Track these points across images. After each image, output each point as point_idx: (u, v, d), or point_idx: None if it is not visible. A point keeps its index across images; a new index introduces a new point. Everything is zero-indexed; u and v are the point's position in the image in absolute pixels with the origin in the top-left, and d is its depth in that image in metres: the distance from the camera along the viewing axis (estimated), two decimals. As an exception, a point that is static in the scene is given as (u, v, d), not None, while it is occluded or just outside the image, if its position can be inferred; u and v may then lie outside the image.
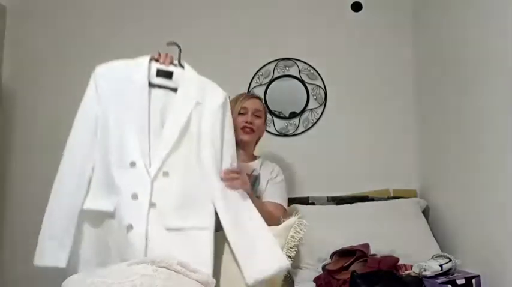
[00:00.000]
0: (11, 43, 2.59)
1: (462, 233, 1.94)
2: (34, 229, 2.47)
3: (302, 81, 2.55)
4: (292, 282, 1.70)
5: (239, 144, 1.79)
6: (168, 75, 1.53)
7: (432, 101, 2.31)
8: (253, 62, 2.57)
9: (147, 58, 1.54)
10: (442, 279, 1.59)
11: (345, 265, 1.76)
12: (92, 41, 2.60)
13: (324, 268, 1.84)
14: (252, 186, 1.72)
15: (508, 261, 1.55)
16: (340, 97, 2.54)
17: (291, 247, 1.48)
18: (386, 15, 2.58)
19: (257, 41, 2.59)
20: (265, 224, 1.48)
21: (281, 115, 2.54)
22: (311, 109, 2.54)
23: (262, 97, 2.35)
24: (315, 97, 2.55)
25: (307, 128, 2.54)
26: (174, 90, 1.52)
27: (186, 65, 1.59)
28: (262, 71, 2.57)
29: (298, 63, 2.56)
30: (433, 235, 2.09)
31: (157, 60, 1.56)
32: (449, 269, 1.66)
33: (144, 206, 1.39)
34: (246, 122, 1.88)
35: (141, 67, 1.52)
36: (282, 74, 2.56)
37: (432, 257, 1.74)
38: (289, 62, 2.57)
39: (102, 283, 1.16)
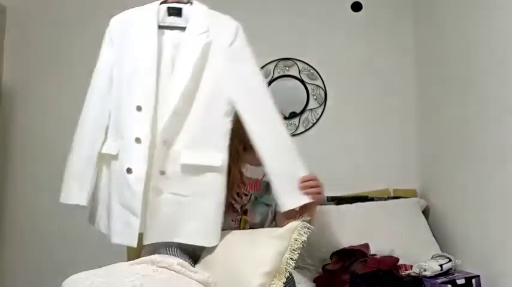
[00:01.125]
0: (11, 43, 2.59)
1: (462, 233, 1.94)
2: (34, 228, 2.49)
3: (302, 81, 2.55)
4: (294, 283, 1.70)
5: (247, 148, 1.72)
6: (178, 11, 1.48)
7: (432, 101, 2.31)
8: (253, 62, 2.56)
9: (157, 2, 1.51)
10: (442, 279, 1.59)
11: (345, 265, 1.76)
12: (92, 41, 2.60)
13: (324, 268, 1.84)
14: (264, 192, 1.67)
15: (508, 261, 1.55)
16: (340, 97, 2.54)
17: (293, 250, 1.47)
18: (386, 15, 2.58)
19: (257, 41, 2.57)
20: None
21: (281, 115, 2.53)
22: (311, 109, 2.54)
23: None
24: (315, 97, 2.55)
25: (307, 128, 2.54)
26: (183, 28, 1.48)
27: (194, 0, 1.54)
28: (262, 71, 2.56)
29: (298, 63, 2.56)
30: (433, 235, 2.09)
31: (166, 2, 1.52)
32: (449, 269, 1.66)
33: (144, 150, 1.40)
34: None
35: (150, 10, 1.50)
36: (282, 74, 2.56)
37: (432, 257, 1.74)
38: (289, 62, 2.57)
39: (102, 283, 1.16)
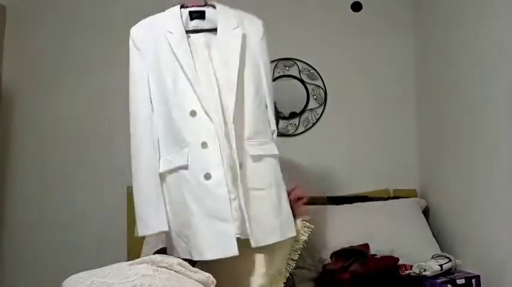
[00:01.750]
0: (11, 43, 2.59)
1: (462, 233, 1.94)
2: (33, 229, 2.49)
3: (302, 81, 2.55)
4: (294, 283, 1.70)
5: None
6: (201, 14, 1.48)
7: (432, 101, 2.31)
8: (253, 62, 2.56)
9: (177, 6, 1.51)
10: (442, 279, 1.59)
11: (345, 265, 1.76)
12: (92, 41, 2.61)
13: (324, 268, 1.84)
14: None
15: (508, 261, 1.55)
16: (340, 97, 2.54)
17: (294, 250, 1.48)
18: (386, 15, 2.58)
19: (257, 41, 2.58)
20: None
21: (281, 115, 2.53)
22: (311, 109, 2.54)
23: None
24: (315, 97, 2.55)
25: (307, 128, 2.54)
26: (212, 30, 1.48)
27: (215, 3, 1.53)
28: (262, 71, 2.56)
29: (298, 63, 2.56)
30: (433, 235, 2.09)
31: (185, 7, 1.51)
32: (449, 269, 1.66)
33: (215, 153, 1.36)
34: None
35: (173, 15, 1.49)
36: (282, 74, 2.56)
37: (432, 257, 1.74)
38: (289, 62, 2.57)
39: (102, 283, 1.16)
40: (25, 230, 2.50)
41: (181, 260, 1.33)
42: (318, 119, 2.54)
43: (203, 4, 1.52)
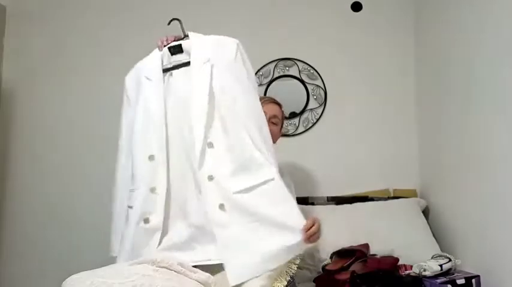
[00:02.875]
0: (11, 43, 2.59)
1: (462, 233, 1.94)
2: (33, 229, 2.49)
3: (302, 81, 2.55)
4: (294, 284, 1.70)
5: None
6: (178, 48, 1.52)
7: (432, 101, 2.31)
8: (253, 62, 2.54)
9: (156, 49, 1.57)
10: (442, 279, 1.59)
11: (345, 265, 1.76)
12: (92, 41, 2.61)
13: (324, 268, 1.84)
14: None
15: (508, 261, 1.55)
16: (340, 97, 2.54)
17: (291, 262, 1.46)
18: (386, 16, 2.58)
19: (257, 41, 2.58)
20: None
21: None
22: (311, 109, 2.54)
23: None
24: (315, 97, 2.55)
25: (307, 128, 2.54)
26: (188, 63, 1.50)
27: (189, 33, 1.56)
28: (262, 71, 2.57)
29: (298, 63, 2.56)
30: (433, 235, 2.09)
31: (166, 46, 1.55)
32: (449, 269, 1.66)
33: (160, 199, 1.43)
34: None
35: (155, 56, 1.55)
36: (282, 74, 2.56)
37: (432, 257, 1.74)
38: (289, 62, 2.57)
39: (102, 283, 1.16)
40: (25, 230, 2.50)
41: (181, 260, 1.33)
42: (318, 119, 2.54)
43: (182, 37, 1.55)
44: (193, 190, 1.44)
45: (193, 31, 2.55)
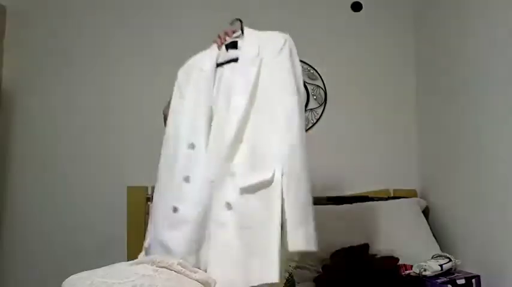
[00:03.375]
0: (11, 43, 2.59)
1: (462, 233, 1.94)
2: (33, 229, 2.49)
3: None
4: (294, 283, 1.70)
5: None
6: (233, 45, 1.55)
7: (432, 101, 2.31)
8: (253, 62, 2.56)
9: (214, 45, 1.61)
10: (442, 279, 1.59)
11: (345, 265, 1.75)
12: (92, 41, 2.61)
13: (324, 268, 1.84)
14: None
15: (508, 261, 1.55)
16: (340, 97, 2.54)
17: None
18: (386, 15, 2.58)
19: (257, 41, 2.58)
20: None
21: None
22: (311, 109, 2.54)
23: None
24: (315, 97, 2.54)
25: (307, 128, 2.53)
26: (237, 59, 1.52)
27: (245, 29, 1.57)
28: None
29: (298, 63, 2.56)
30: (433, 235, 2.09)
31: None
32: (449, 269, 1.66)
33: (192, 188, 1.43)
34: None
35: (211, 51, 1.59)
36: (282, 74, 2.56)
37: (432, 257, 1.74)
38: (289, 62, 2.56)
39: (102, 283, 1.16)
40: (25, 230, 2.49)
41: (181, 260, 1.33)
42: (318, 119, 2.54)
43: (239, 34, 1.58)
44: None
45: (193, 31, 2.57)
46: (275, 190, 1.30)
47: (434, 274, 1.62)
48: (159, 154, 1.61)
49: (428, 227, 2.13)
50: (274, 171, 1.32)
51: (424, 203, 2.29)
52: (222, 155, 1.39)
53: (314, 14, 2.59)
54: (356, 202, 2.29)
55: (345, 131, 2.53)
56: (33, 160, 2.54)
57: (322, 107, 2.54)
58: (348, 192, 2.41)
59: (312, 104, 2.54)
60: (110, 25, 2.61)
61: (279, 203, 1.28)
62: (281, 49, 1.45)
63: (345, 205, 2.26)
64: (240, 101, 1.41)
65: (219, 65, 1.54)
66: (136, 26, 2.60)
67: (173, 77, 2.43)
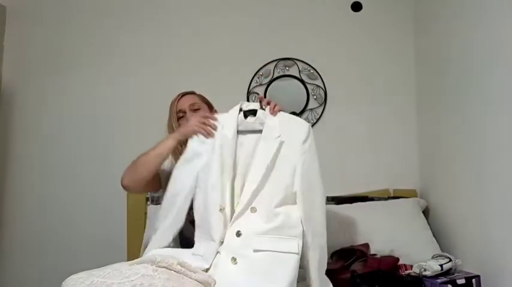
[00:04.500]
0: (11, 43, 2.59)
1: (462, 233, 1.94)
2: (33, 229, 2.49)
3: (302, 81, 2.55)
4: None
5: None
6: (253, 112, 1.62)
7: (433, 101, 2.31)
8: (253, 62, 2.57)
9: (237, 107, 1.64)
10: (442, 279, 1.59)
11: (345, 264, 1.75)
12: (92, 41, 2.61)
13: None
14: None
15: (508, 261, 1.55)
16: (340, 97, 2.54)
17: None
18: (386, 15, 2.58)
19: (257, 41, 2.59)
20: None
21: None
22: (311, 109, 2.54)
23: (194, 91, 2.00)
24: (315, 97, 2.55)
25: (307, 128, 2.53)
26: (258, 131, 1.59)
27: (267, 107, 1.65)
28: (262, 71, 2.57)
29: (298, 63, 2.56)
30: (433, 235, 2.09)
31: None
32: (450, 269, 1.66)
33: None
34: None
35: (232, 115, 1.62)
36: (282, 74, 2.56)
37: (432, 257, 1.73)
38: (289, 62, 2.57)
39: (102, 283, 1.16)
40: (25, 230, 2.50)
41: (181, 260, 1.33)
42: (318, 119, 2.54)
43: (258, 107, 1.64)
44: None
45: (193, 31, 2.57)
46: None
47: (434, 274, 1.62)
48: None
49: (428, 227, 2.13)
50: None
51: (424, 203, 2.28)
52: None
53: (314, 14, 2.59)
54: (356, 202, 2.29)
55: (344, 131, 2.53)
56: (33, 160, 2.54)
57: (322, 107, 2.54)
58: (348, 192, 2.41)
59: (312, 104, 2.54)
60: (110, 25, 2.61)
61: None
62: (306, 137, 1.59)
63: (345, 205, 2.26)
64: (257, 175, 1.49)
65: (239, 132, 1.60)
66: (136, 26, 2.60)
67: (175, 79, 2.45)
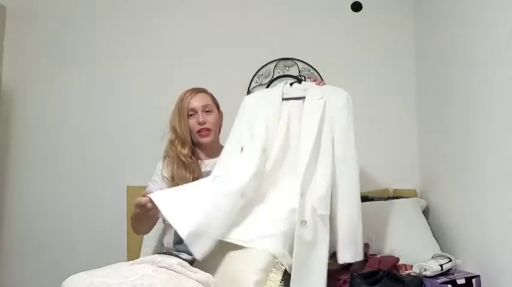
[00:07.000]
0: (11, 43, 2.59)
1: (462, 233, 1.94)
2: (33, 229, 2.49)
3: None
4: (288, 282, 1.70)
5: (203, 145, 1.87)
6: (298, 81, 1.85)
7: (432, 101, 2.31)
8: (253, 62, 2.57)
9: (283, 83, 1.83)
10: (442, 279, 1.59)
11: (345, 264, 1.75)
12: (92, 41, 2.61)
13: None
14: None
15: (508, 261, 1.55)
16: (340, 97, 2.54)
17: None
18: (386, 16, 2.58)
19: (257, 41, 2.59)
20: None
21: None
22: (311, 109, 2.54)
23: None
24: (315, 97, 2.54)
25: (307, 128, 2.53)
26: (302, 98, 1.76)
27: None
28: (262, 71, 2.57)
29: (298, 63, 2.56)
30: (433, 235, 2.09)
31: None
32: (450, 269, 1.66)
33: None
34: (199, 124, 1.84)
35: (277, 88, 1.83)
36: (282, 74, 2.56)
37: (432, 257, 1.73)
38: (289, 62, 2.57)
39: (101, 283, 1.16)
40: (25, 230, 2.50)
41: (181, 260, 1.33)
42: (318, 119, 2.53)
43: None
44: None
45: (193, 31, 2.57)
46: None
47: (434, 274, 1.61)
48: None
49: (428, 227, 2.13)
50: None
51: (424, 203, 2.28)
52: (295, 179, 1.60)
53: (314, 14, 2.59)
54: (356, 202, 2.28)
55: (345, 131, 2.52)
56: (33, 160, 2.54)
57: (322, 107, 2.54)
58: (348, 192, 2.40)
59: (312, 104, 2.54)
60: (110, 25, 2.61)
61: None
62: (346, 103, 1.76)
63: (345, 205, 2.25)
64: (310, 137, 1.64)
65: (285, 99, 1.77)
66: (136, 26, 2.60)
67: (174, 77, 2.45)
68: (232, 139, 1.78)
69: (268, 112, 1.74)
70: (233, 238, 1.47)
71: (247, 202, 1.55)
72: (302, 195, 1.55)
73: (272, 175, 1.64)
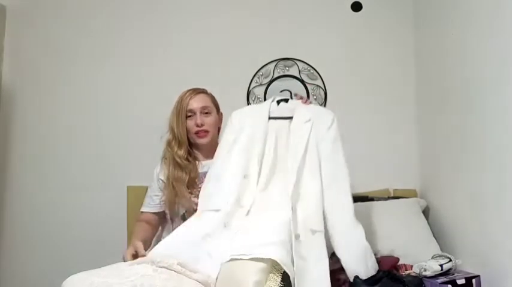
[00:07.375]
0: (11, 43, 2.59)
1: (462, 233, 1.94)
2: (33, 229, 2.49)
3: (302, 81, 2.55)
4: (290, 283, 1.69)
5: (201, 146, 1.88)
6: (285, 100, 1.80)
7: (432, 101, 2.31)
8: (253, 62, 2.57)
9: (270, 99, 1.82)
10: (442, 279, 1.59)
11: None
12: (92, 41, 2.61)
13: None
14: None
15: (508, 261, 1.55)
16: (340, 97, 2.54)
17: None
18: (386, 15, 2.58)
19: (257, 41, 2.59)
20: None
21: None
22: (311, 109, 2.54)
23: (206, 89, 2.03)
24: (315, 97, 2.55)
25: (307, 128, 2.53)
26: (289, 118, 1.74)
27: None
28: (262, 71, 2.57)
29: (298, 63, 2.56)
30: (433, 235, 2.09)
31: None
32: (450, 269, 1.66)
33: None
34: (197, 125, 1.85)
35: (265, 105, 1.80)
36: (282, 74, 2.56)
37: (432, 257, 1.73)
38: (289, 62, 2.57)
39: (102, 283, 1.16)
40: (25, 230, 2.50)
41: (181, 260, 1.33)
42: (318, 119, 2.53)
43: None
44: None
45: (193, 31, 2.57)
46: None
47: (434, 274, 1.62)
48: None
49: (428, 227, 2.13)
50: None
51: (424, 203, 2.28)
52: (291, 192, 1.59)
53: (314, 14, 2.59)
54: (356, 202, 2.27)
55: (344, 131, 2.51)
56: (33, 160, 2.54)
57: (322, 107, 2.54)
58: (348, 192, 2.40)
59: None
60: (109, 24, 2.61)
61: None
62: (331, 125, 1.76)
63: (345, 205, 2.25)
64: (297, 156, 1.64)
65: (271, 117, 1.74)
66: (136, 27, 2.60)
67: (174, 77, 2.45)
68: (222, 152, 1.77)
69: (255, 132, 1.72)
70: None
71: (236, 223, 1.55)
72: (293, 209, 1.55)
73: (262, 196, 1.63)
